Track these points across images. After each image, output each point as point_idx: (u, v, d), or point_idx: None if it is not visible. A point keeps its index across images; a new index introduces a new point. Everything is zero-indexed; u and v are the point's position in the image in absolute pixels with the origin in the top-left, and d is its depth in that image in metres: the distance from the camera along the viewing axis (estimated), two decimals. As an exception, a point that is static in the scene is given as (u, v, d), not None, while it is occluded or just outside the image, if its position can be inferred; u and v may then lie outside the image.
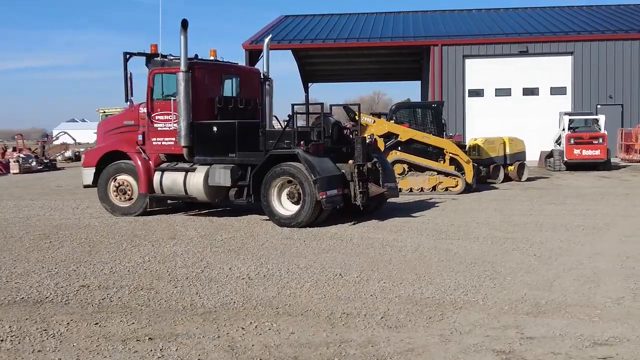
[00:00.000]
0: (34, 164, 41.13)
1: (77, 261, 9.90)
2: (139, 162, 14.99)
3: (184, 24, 13.96)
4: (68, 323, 6.82)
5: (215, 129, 14.39)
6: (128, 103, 15.29)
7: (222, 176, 13.91)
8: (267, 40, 16.86)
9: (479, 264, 9.36)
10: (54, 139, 59.63)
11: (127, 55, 14.93)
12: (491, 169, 21.69)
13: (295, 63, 46.95)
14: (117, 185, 15.37)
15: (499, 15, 38.71)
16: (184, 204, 15.77)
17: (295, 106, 14.56)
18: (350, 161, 13.47)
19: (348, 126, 16.14)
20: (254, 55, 33.93)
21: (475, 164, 19.90)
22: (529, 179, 22.63)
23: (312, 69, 48.96)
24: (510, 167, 22.34)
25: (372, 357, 5.79)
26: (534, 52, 33.02)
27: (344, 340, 6.20)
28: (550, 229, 12.35)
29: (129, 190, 15.27)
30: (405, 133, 19.21)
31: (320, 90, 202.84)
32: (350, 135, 14.64)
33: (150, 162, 15.03)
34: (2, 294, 8.01)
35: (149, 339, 6.30)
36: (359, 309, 7.22)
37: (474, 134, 32.39)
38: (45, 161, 39.48)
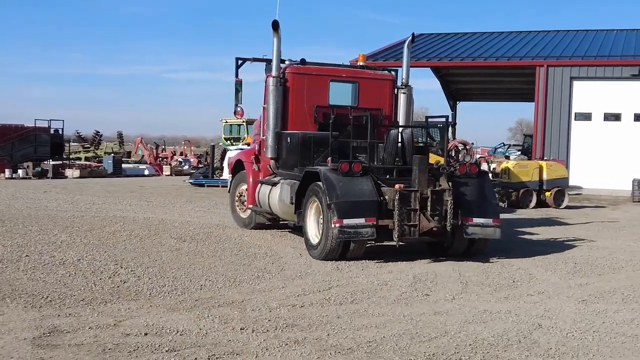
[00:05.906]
0: (185, 167, 45.53)
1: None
2: (249, 174, 14.41)
3: (275, 25, 13.19)
4: None
5: (289, 140, 13.24)
6: (235, 111, 14.49)
7: (285, 193, 12.57)
8: (408, 40, 14.57)
9: (305, 278, 10.20)
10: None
11: (239, 61, 14.22)
12: (520, 193, 21.26)
13: (437, 81, 47.59)
14: (238, 195, 15.07)
15: (611, 37, 36.54)
16: None
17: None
18: (397, 185, 10.79)
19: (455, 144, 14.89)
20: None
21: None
22: (568, 207, 21.83)
23: (456, 87, 49.03)
24: (547, 193, 21.72)
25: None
26: (646, 76, 30.99)
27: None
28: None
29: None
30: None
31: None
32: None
33: (261, 173, 14.07)
34: None
35: None
36: (65, 294, 8.47)
37: (578, 159, 31.24)
38: (201, 166, 41.84)
